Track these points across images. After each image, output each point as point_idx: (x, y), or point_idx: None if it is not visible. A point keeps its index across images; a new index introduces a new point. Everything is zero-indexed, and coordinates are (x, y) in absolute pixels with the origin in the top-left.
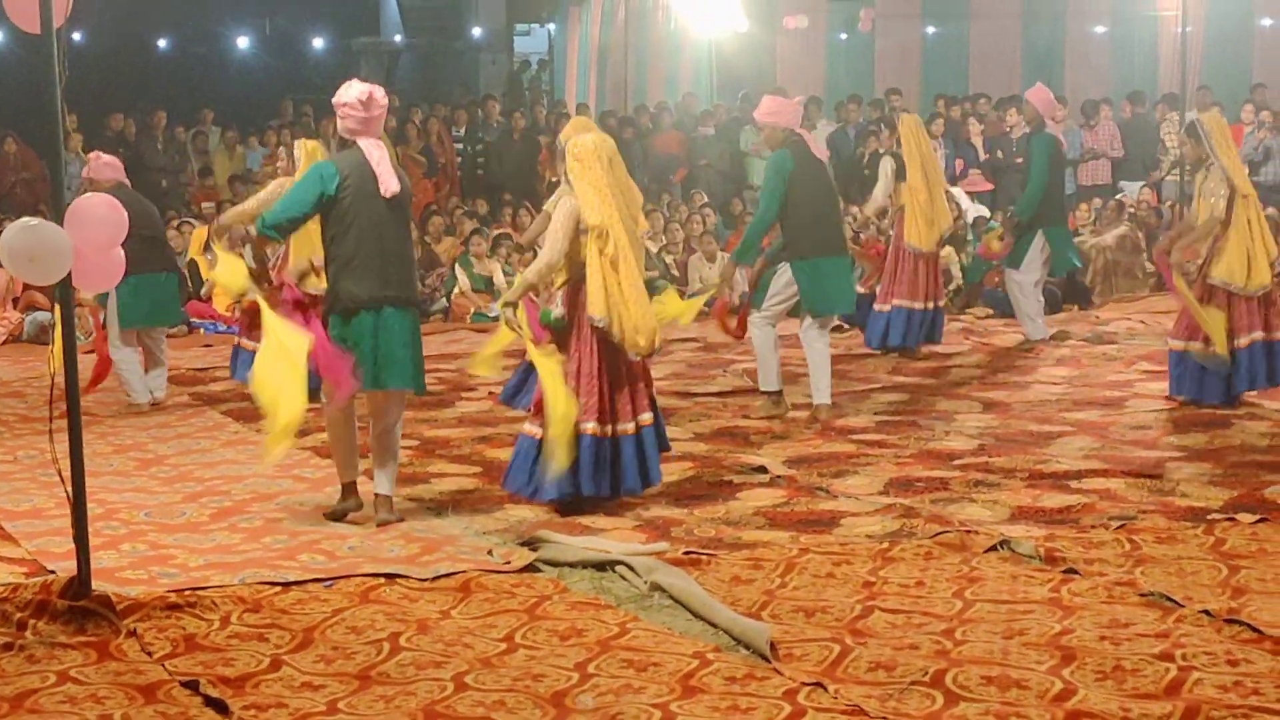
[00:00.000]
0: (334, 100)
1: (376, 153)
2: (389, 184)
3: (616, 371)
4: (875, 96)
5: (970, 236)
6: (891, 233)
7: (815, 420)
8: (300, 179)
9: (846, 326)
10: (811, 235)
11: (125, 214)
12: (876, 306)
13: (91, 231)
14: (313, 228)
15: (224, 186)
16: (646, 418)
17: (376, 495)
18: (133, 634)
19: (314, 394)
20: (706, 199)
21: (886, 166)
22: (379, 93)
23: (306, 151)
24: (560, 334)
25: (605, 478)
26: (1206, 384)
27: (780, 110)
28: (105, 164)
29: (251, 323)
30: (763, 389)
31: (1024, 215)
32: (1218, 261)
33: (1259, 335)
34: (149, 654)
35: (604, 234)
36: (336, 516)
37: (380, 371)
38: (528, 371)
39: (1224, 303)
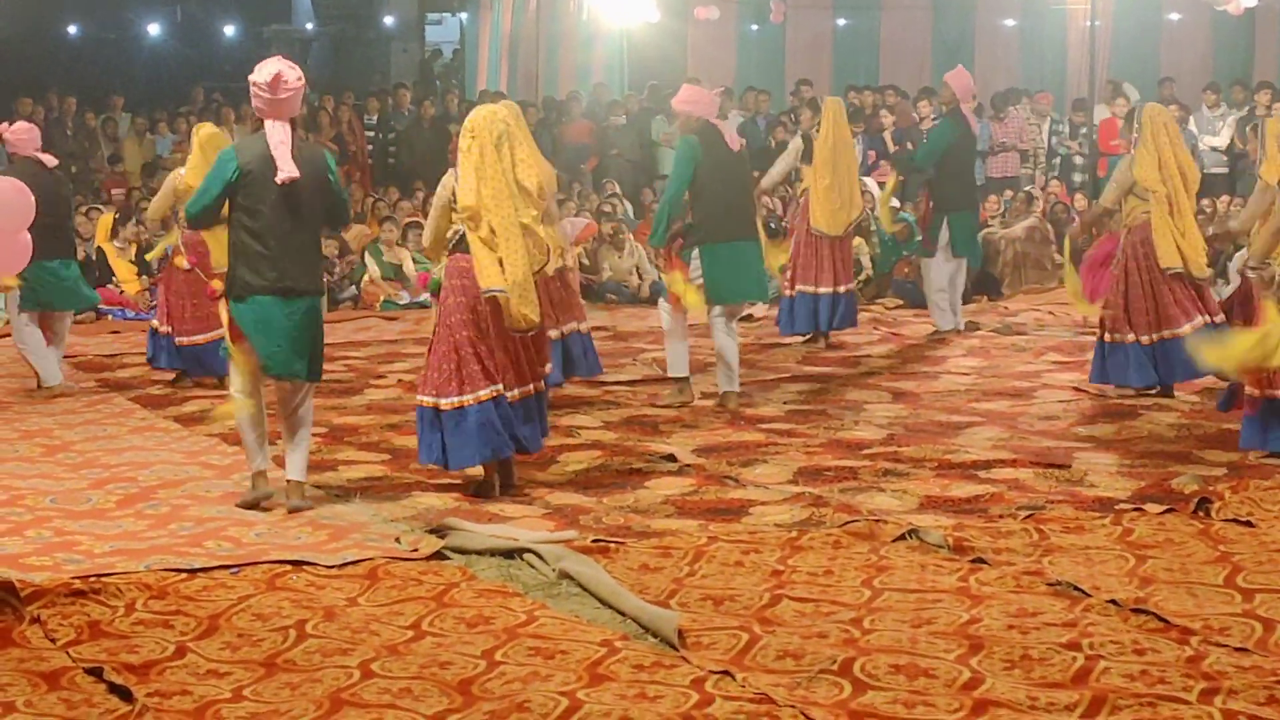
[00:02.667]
0: (250, 78)
1: (278, 136)
2: (286, 170)
3: (502, 342)
4: (786, 87)
5: (875, 228)
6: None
7: (723, 408)
8: (212, 168)
9: (756, 317)
10: (718, 221)
11: (31, 199)
12: (785, 293)
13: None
14: None
15: (134, 173)
16: (532, 388)
17: (288, 481)
18: (36, 620)
19: (220, 379)
20: (617, 188)
21: (794, 145)
22: (290, 75)
23: (199, 139)
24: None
25: (508, 438)
26: (1132, 372)
27: (697, 100)
28: (20, 135)
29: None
30: (670, 374)
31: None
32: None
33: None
34: (53, 641)
35: (475, 216)
36: (250, 505)
37: (271, 360)
38: None
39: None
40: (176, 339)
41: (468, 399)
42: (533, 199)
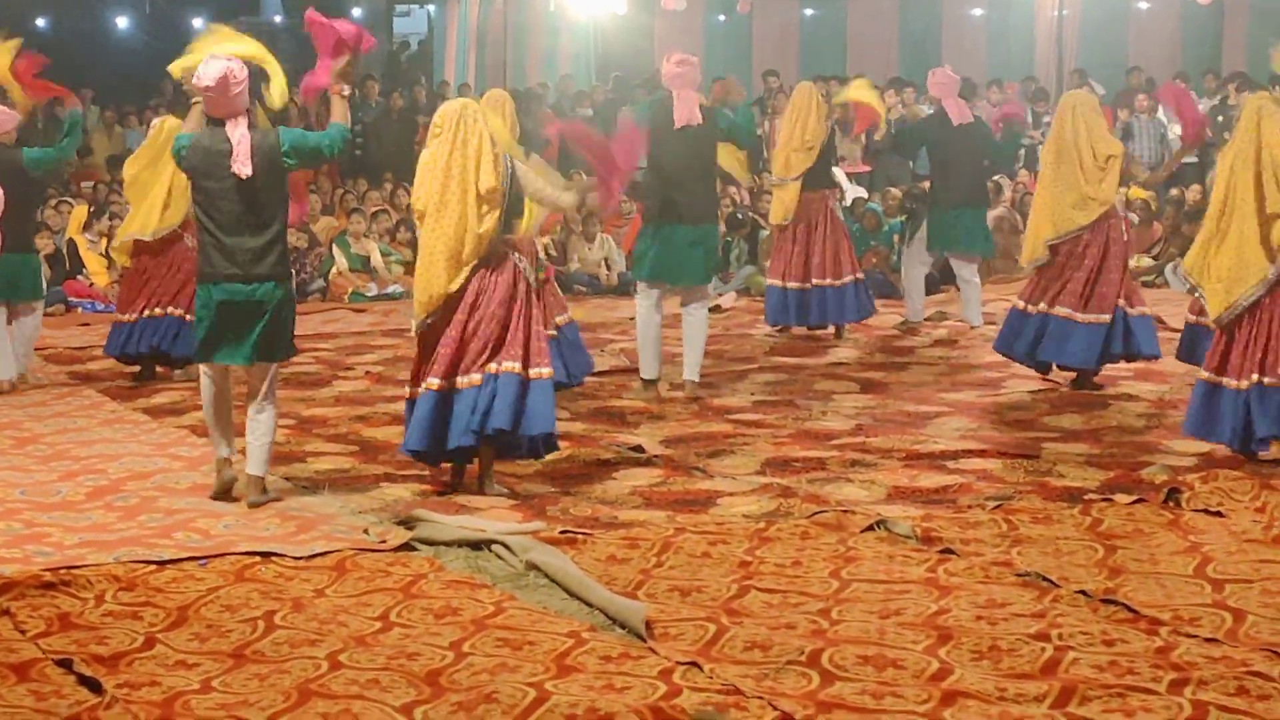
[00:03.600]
0: (194, 83)
1: (238, 132)
2: (243, 167)
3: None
4: (753, 79)
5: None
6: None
7: (686, 393)
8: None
9: (724, 308)
10: (664, 199)
11: None
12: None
13: None
14: None
15: (102, 166)
16: (497, 366)
17: (249, 476)
18: (6, 612)
19: (186, 360)
20: (584, 179)
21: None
22: (237, 69)
23: (166, 129)
24: None
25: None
26: (1068, 349)
27: (683, 74)
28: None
29: (127, 294)
30: (641, 375)
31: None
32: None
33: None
34: (22, 632)
35: (420, 215)
36: (220, 496)
37: (222, 346)
38: None
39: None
40: (145, 313)
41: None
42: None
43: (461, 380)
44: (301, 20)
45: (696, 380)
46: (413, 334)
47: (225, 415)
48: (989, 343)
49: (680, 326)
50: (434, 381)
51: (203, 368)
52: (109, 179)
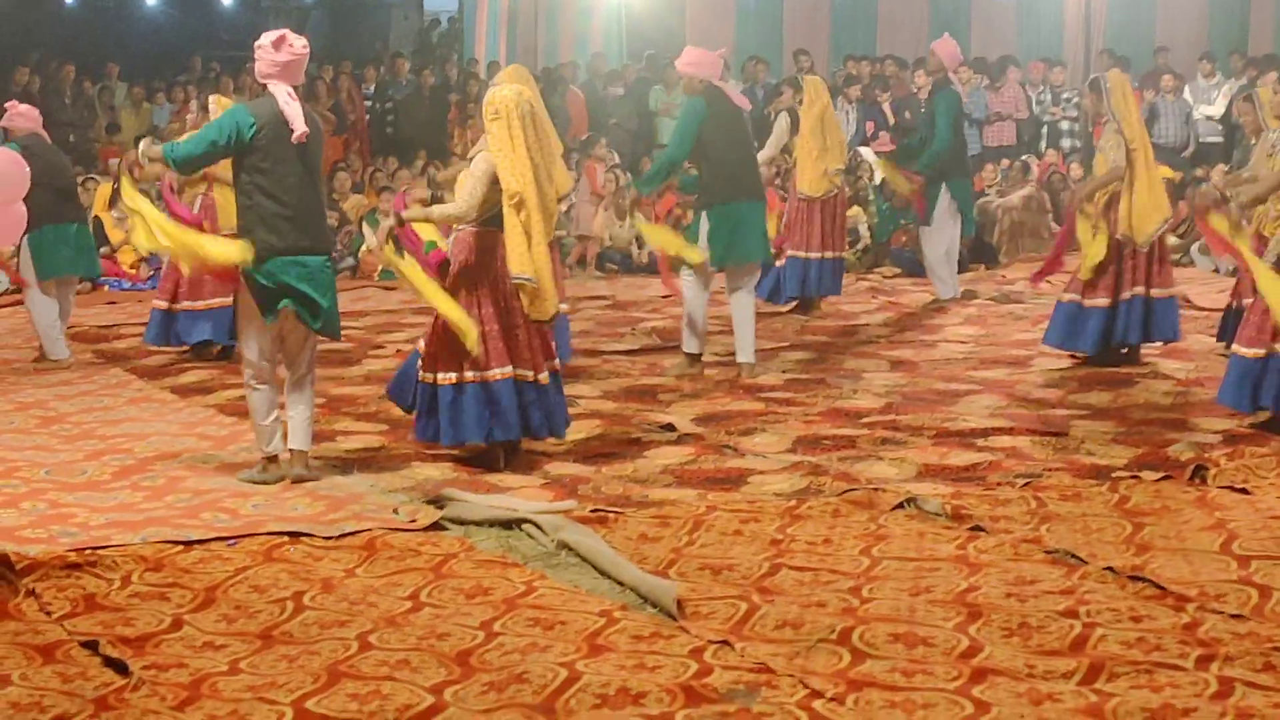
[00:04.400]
0: (255, 44)
1: (284, 96)
2: (298, 126)
3: (512, 323)
4: (783, 58)
5: (873, 197)
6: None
7: (739, 377)
8: (214, 121)
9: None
10: (724, 181)
11: (26, 169)
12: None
13: None
14: None
15: (130, 143)
16: (545, 377)
17: (291, 450)
18: (31, 593)
19: (227, 350)
20: (617, 158)
21: (782, 121)
22: (296, 39)
23: (221, 107)
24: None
25: (515, 421)
26: (1082, 335)
27: (700, 61)
28: (20, 114)
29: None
30: (684, 350)
31: (926, 169)
32: (1117, 214)
33: (1140, 290)
34: (48, 614)
35: (521, 203)
36: (255, 483)
37: (304, 317)
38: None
39: (1115, 254)
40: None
41: (470, 376)
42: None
43: (527, 373)
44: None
45: (753, 361)
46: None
47: (276, 411)
48: (1018, 321)
49: (718, 306)
50: (508, 369)
51: (251, 369)
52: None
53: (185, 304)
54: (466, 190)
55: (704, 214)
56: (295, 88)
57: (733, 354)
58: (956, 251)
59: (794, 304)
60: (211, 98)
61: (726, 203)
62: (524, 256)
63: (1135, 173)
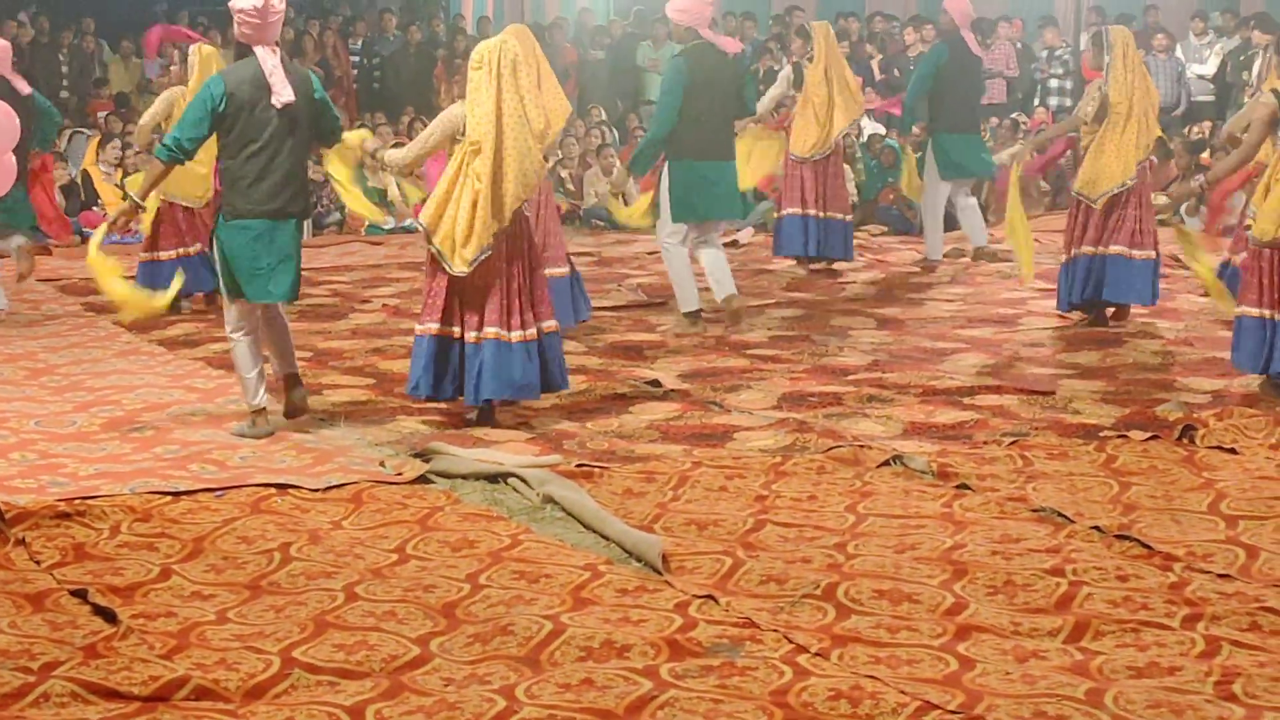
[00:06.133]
0: (230, 4)
1: (271, 61)
2: (282, 94)
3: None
4: (774, 13)
5: (860, 154)
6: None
7: (728, 312)
8: (193, 98)
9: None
10: (692, 138)
11: (15, 120)
12: (777, 215)
13: None
14: None
15: (117, 98)
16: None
17: (285, 376)
18: (21, 542)
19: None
20: (603, 114)
21: (785, 73)
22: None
23: (201, 58)
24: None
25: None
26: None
27: (689, 8)
28: None
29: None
30: (683, 311)
31: (905, 130)
32: (1077, 170)
33: (1089, 249)
34: (37, 563)
35: (478, 149)
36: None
37: (269, 284)
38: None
39: (1074, 210)
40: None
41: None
42: (535, 135)
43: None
44: None
45: (736, 293)
46: None
47: (260, 362)
48: (1006, 280)
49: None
50: (534, 330)
51: (234, 322)
52: (126, 109)
53: (167, 252)
54: (421, 136)
55: (666, 166)
56: (277, 43)
57: (719, 310)
58: (942, 209)
59: (797, 261)
60: (191, 48)
61: (691, 160)
62: (433, 203)
63: (1109, 132)
